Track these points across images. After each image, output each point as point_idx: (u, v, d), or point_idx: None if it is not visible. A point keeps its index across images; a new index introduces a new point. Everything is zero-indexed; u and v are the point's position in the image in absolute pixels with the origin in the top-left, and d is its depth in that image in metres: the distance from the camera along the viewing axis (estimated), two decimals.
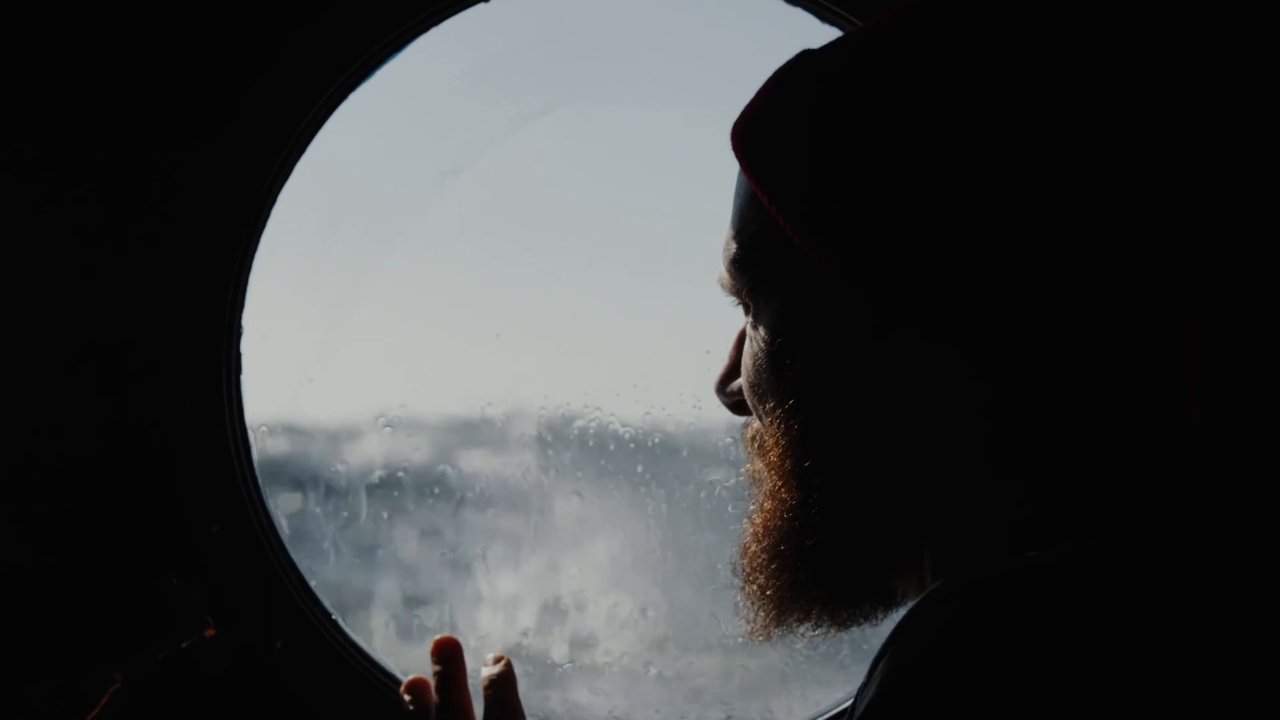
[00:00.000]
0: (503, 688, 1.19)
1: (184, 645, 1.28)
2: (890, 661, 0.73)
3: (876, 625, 0.96)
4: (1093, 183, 0.82)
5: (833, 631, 0.95)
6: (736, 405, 1.00)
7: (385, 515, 1.51)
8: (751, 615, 0.96)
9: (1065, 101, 0.83)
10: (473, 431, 1.52)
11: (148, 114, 1.29)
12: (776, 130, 0.91)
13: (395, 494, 1.51)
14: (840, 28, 1.33)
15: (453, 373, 1.55)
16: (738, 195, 0.96)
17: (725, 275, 0.97)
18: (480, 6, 1.34)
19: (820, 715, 1.35)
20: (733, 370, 1.01)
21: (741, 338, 1.00)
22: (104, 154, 1.29)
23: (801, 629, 0.95)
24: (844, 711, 1.32)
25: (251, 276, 1.32)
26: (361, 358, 1.54)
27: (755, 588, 0.94)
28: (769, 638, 0.96)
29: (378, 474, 1.51)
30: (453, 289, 1.59)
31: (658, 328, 1.54)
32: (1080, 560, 0.74)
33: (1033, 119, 0.82)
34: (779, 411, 0.92)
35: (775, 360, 0.92)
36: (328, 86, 1.32)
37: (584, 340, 1.50)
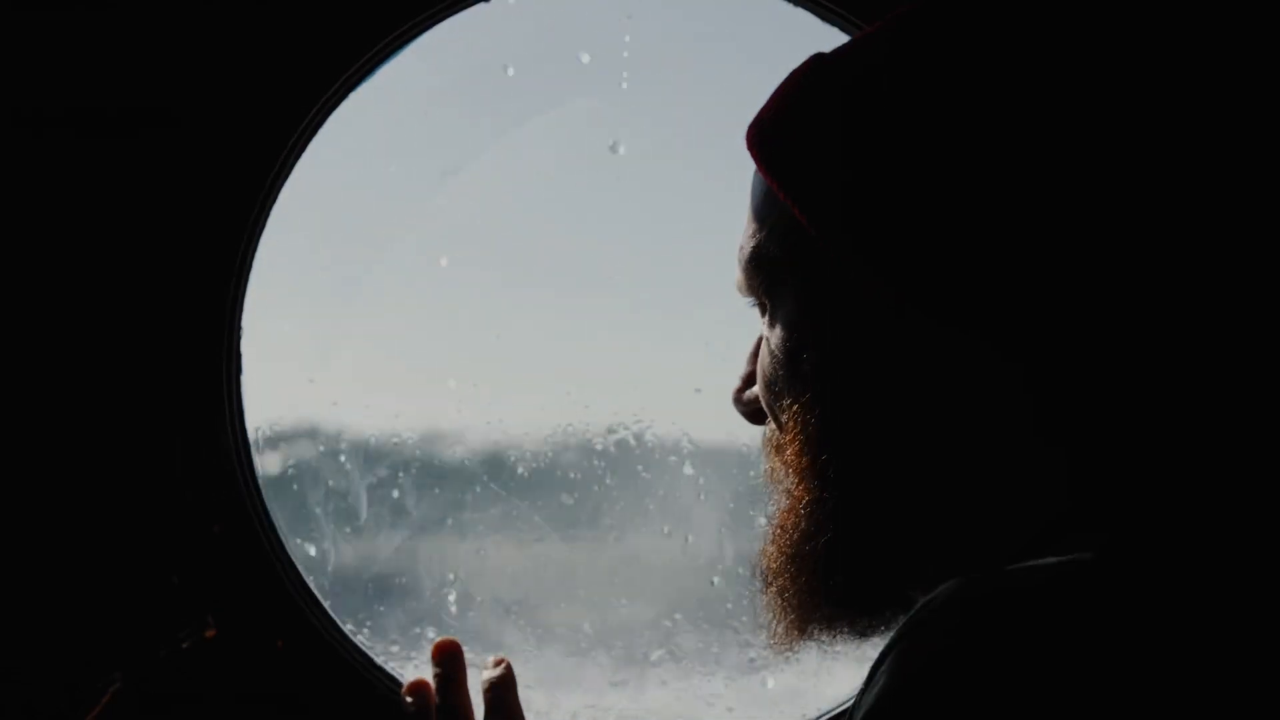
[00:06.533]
0: (503, 690, 1.19)
1: (184, 645, 1.28)
2: (898, 662, 0.72)
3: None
4: (1106, 172, 0.82)
5: (854, 639, 0.95)
6: (753, 414, 1.00)
7: (385, 515, 1.51)
8: (773, 623, 0.95)
9: (1079, 92, 0.83)
10: (471, 432, 1.52)
11: (148, 112, 1.29)
12: (793, 128, 0.92)
13: (396, 494, 1.51)
14: (841, 28, 1.34)
15: (450, 374, 1.55)
16: (753, 196, 0.96)
17: (741, 276, 0.97)
18: (480, 6, 1.34)
19: (821, 715, 1.35)
20: (749, 379, 1.01)
21: (758, 347, 1.00)
22: (104, 152, 1.29)
23: (822, 636, 0.94)
24: (845, 712, 1.32)
25: (251, 276, 1.32)
26: (360, 358, 1.54)
27: (775, 591, 0.94)
28: (791, 647, 0.96)
29: (378, 474, 1.51)
30: (451, 290, 1.59)
31: (654, 340, 1.54)
32: (1098, 565, 0.74)
33: (1047, 109, 0.83)
34: (795, 407, 0.92)
35: (792, 356, 0.92)
36: (328, 86, 1.32)
37: (585, 353, 1.51)
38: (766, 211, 0.94)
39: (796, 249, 0.91)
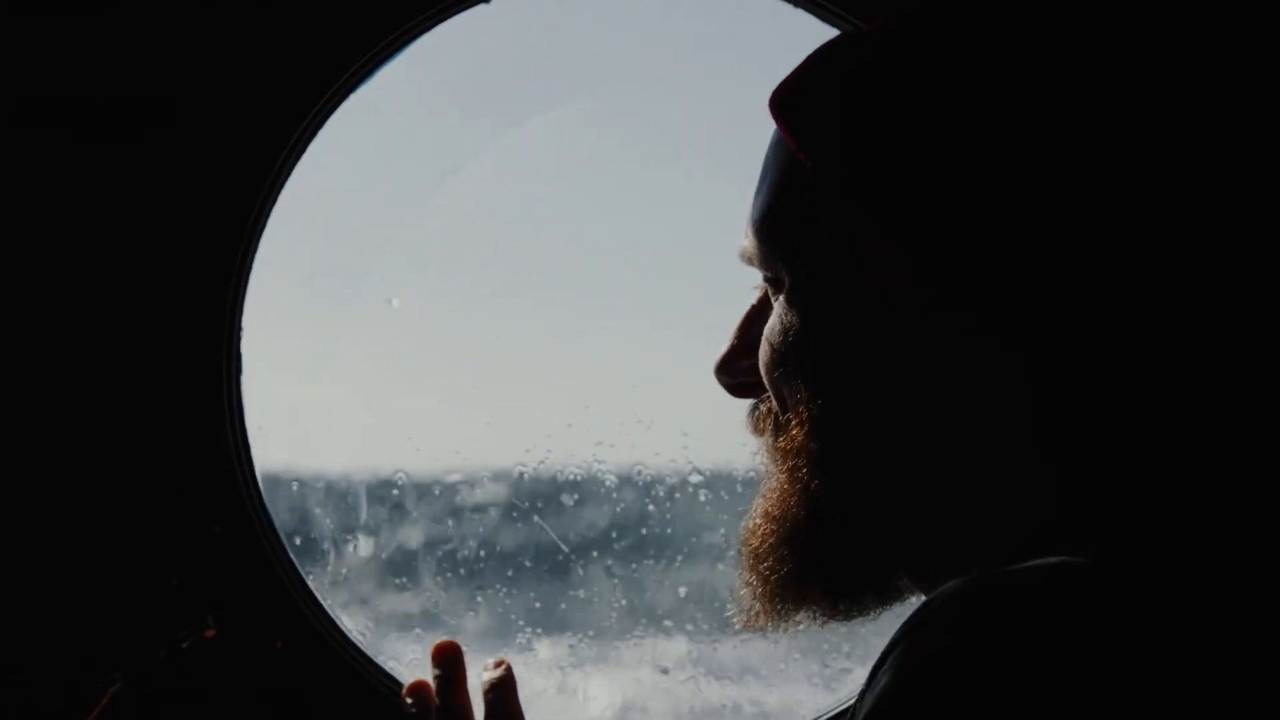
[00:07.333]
0: (503, 691, 1.18)
1: (184, 645, 1.28)
2: (899, 662, 0.72)
3: (873, 620, 0.95)
4: (1140, 167, 0.81)
5: (828, 624, 0.94)
6: (741, 387, 0.98)
7: (385, 514, 1.51)
8: (749, 602, 0.94)
9: (1097, 76, 0.82)
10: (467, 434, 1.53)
11: (149, 112, 1.29)
12: (822, 95, 0.89)
13: (395, 493, 1.51)
14: (841, 29, 1.34)
15: (449, 373, 1.55)
16: (770, 163, 0.94)
17: (753, 246, 0.94)
18: (480, 8, 1.34)
19: (820, 716, 1.35)
20: (738, 351, 0.99)
21: (749, 317, 0.98)
22: (105, 152, 1.29)
23: (798, 619, 0.93)
24: (845, 711, 1.32)
25: (251, 276, 1.32)
26: (360, 358, 1.54)
27: (759, 572, 0.93)
28: (765, 627, 0.95)
29: (378, 474, 1.51)
30: (451, 290, 1.59)
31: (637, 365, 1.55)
32: (1098, 565, 0.73)
33: (1066, 90, 0.82)
34: (806, 390, 0.90)
35: (805, 334, 0.90)
36: (328, 86, 1.32)
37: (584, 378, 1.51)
38: (787, 179, 0.91)
39: (815, 221, 0.89)
